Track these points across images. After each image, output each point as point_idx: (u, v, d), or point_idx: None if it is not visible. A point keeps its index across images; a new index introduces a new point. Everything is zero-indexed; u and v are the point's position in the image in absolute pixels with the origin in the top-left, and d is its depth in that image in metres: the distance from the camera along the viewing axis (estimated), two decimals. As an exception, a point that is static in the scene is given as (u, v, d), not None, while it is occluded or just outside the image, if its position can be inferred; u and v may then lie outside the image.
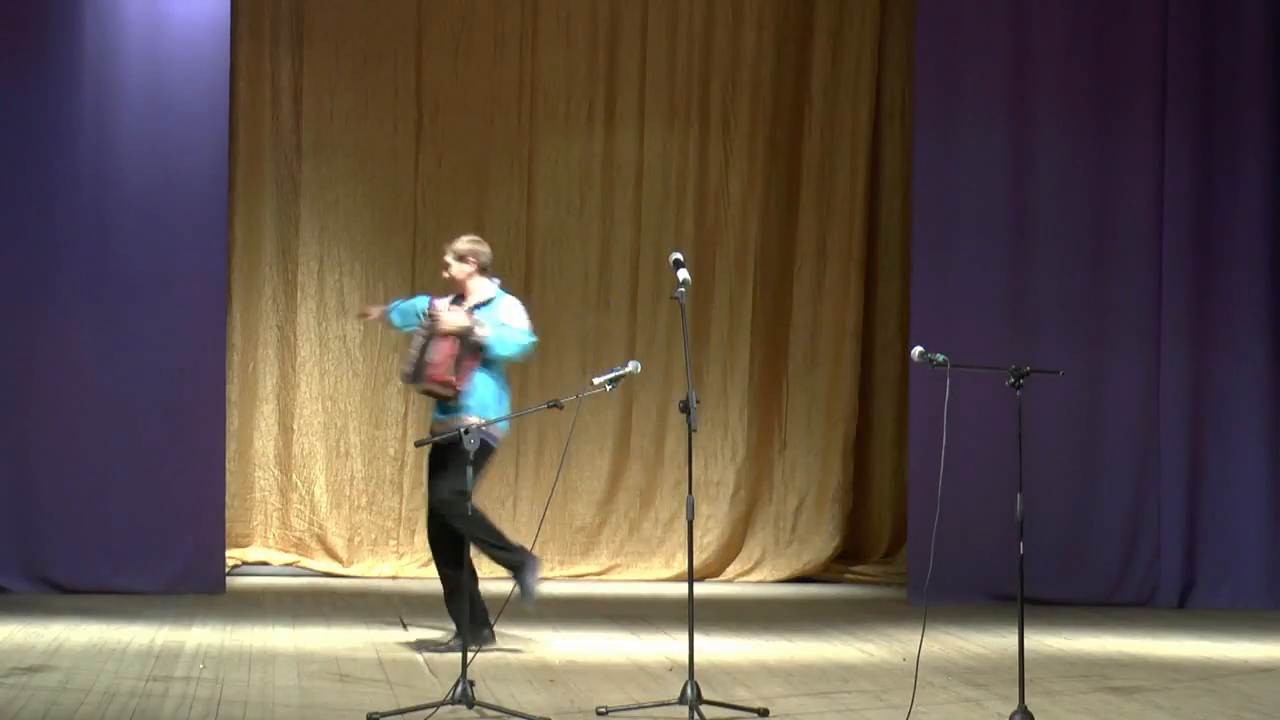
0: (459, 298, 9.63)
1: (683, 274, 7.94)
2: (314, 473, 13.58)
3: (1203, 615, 12.01)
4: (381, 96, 13.70)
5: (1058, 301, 12.48)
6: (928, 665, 8.87)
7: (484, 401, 9.37)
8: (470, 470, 7.91)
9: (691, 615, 7.65)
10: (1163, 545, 12.45)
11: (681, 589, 8.45)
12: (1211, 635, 10.89)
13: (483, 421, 9.07)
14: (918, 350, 7.90)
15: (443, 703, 7.49)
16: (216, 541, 12.14)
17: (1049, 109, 12.51)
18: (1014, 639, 7.58)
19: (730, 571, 13.96)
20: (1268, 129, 12.56)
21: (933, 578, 10.03)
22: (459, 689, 7.51)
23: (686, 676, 7.59)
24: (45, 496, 11.76)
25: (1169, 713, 8.00)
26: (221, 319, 12.23)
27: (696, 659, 7.70)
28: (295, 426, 13.58)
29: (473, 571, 9.26)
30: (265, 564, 13.48)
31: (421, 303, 9.76)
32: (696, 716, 7.40)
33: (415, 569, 13.54)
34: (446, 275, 9.66)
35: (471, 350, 9.39)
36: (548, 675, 8.68)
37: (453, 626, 9.63)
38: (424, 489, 13.60)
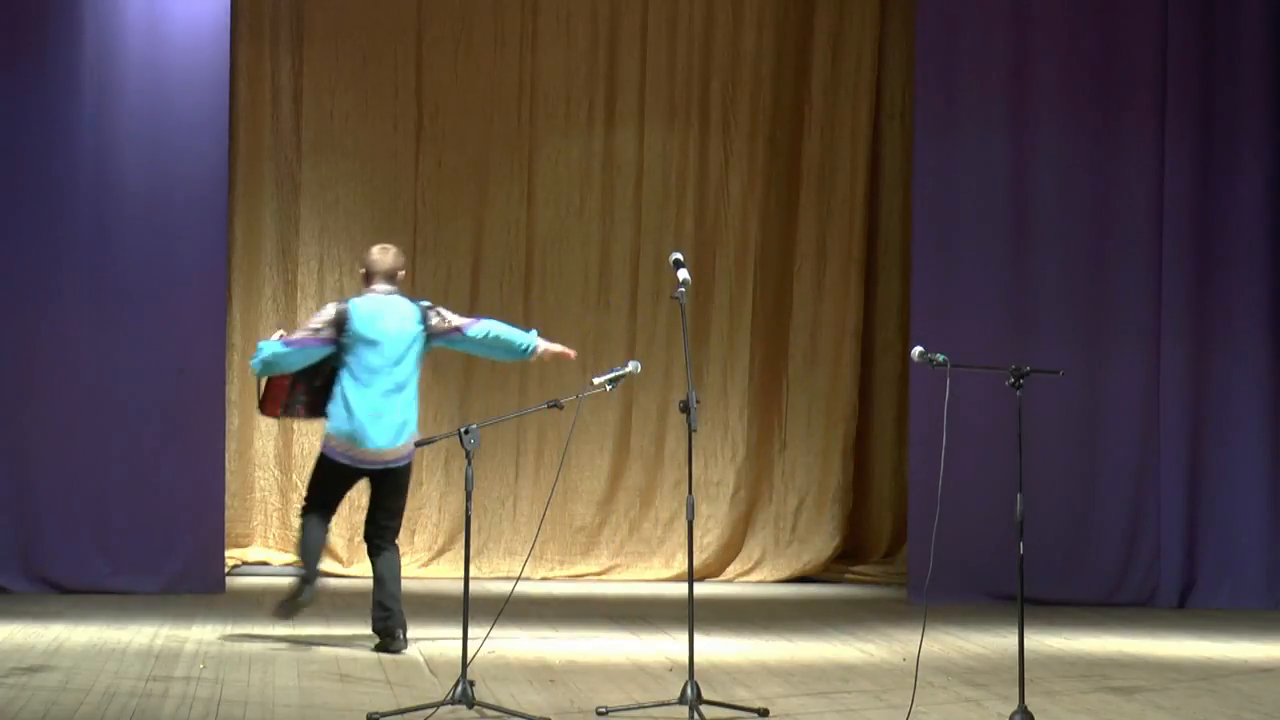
0: None
1: (683, 274, 7.94)
2: (314, 473, 13.57)
3: (1203, 615, 12.01)
4: (381, 96, 13.70)
5: (1058, 301, 12.48)
6: (928, 665, 8.87)
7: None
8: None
9: (691, 615, 7.65)
10: (1163, 545, 12.45)
11: (681, 589, 8.45)
12: (1211, 635, 10.89)
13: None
14: (918, 350, 7.90)
15: (442, 703, 7.49)
16: (216, 541, 12.15)
17: (1049, 109, 12.51)
18: (1014, 639, 7.58)
19: (730, 571, 13.96)
20: (1268, 129, 12.56)
21: (933, 578, 10.03)
22: (459, 689, 7.51)
23: (686, 676, 7.59)
24: (45, 496, 11.76)
25: (1169, 713, 8.00)
26: (221, 319, 12.22)
27: (696, 659, 7.70)
28: (295, 426, 13.57)
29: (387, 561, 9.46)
30: (265, 564, 13.48)
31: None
32: (696, 716, 7.40)
33: (415, 569, 13.53)
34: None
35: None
36: (548, 675, 8.68)
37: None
38: (424, 489, 13.72)
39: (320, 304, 13.63)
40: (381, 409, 9.29)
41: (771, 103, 14.12)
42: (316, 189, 13.65)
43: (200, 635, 9.86)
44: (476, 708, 7.50)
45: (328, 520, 9.68)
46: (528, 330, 9.78)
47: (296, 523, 9.59)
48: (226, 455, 12.72)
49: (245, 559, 13.42)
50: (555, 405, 8.15)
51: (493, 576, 13.56)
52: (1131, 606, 12.28)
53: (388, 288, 9.48)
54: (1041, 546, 11.40)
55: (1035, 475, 11.17)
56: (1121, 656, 9.90)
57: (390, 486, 9.49)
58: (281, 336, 9.52)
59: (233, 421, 13.23)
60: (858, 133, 14.15)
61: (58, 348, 11.80)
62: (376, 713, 7.36)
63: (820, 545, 14.05)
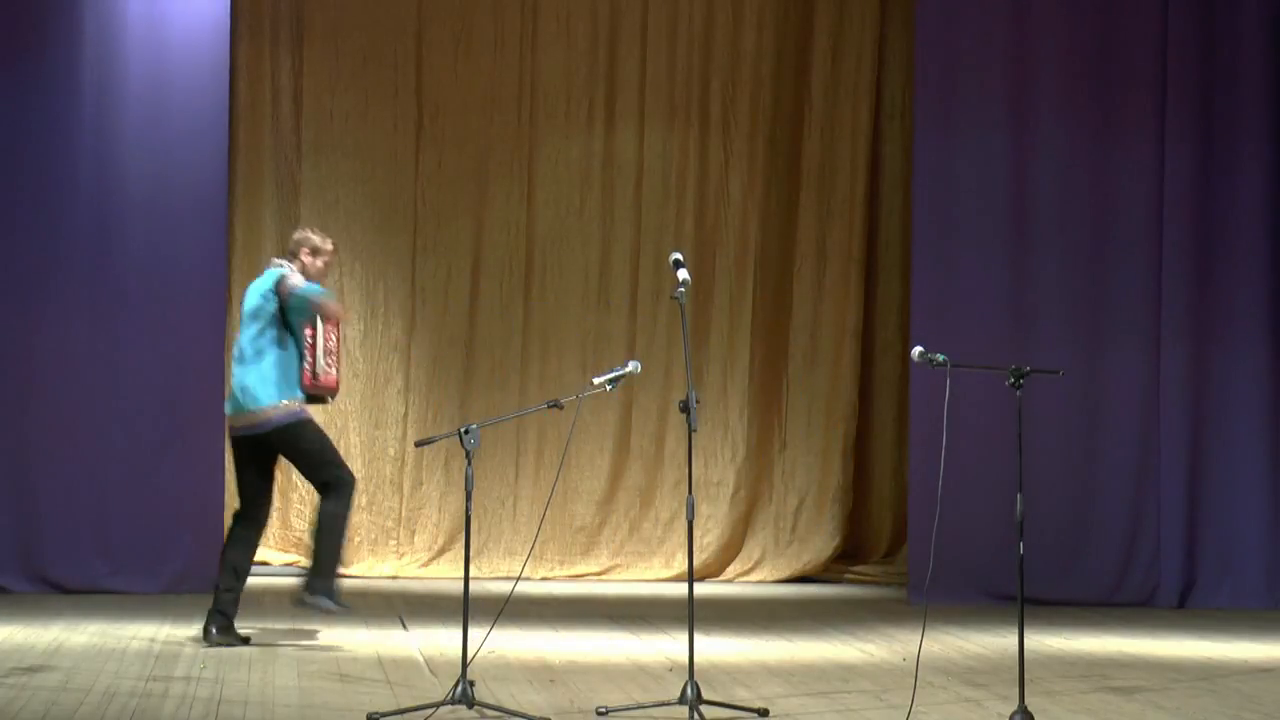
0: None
1: (682, 274, 7.94)
2: (314, 473, 13.57)
3: (1203, 615, 12.01)
4: (381, 96, 13.71)
5: (1058, 301, 12.48)
6: (928, 665, 8.87)
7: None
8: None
9: (691, 615, 7.64)
10: (1163, 545, 12.45)
11: (681, 589, 8.45)
12: (1211, 635, 10.89)
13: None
14: (918, 350, 7.89)
15: (442, 703, 7.49)
16: (216, 541, 12.10)
17: (1049, 109, 12.51)
18: (1014, 639, 7.58)
19: (730, 571, 13.97)
20: (1267, 129, 12.56)
21: (933, 578, 10.04)
22: (459, 689, 7.51)
23: (686, 676, 7.59)
24: (45, 497, 11.76)
25: (1169, 713, 8.00)
26: (221, 319, 12.22)
27: (696, 659, 7.70)
28: (295, 426, 13.57)
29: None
30: (265, 564, 13.46)
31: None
32: (696, 716, 7.40)
33: (415, 569, 13.55)
34: (320, 276, 9.62)
35: None
36: (548, 675, 8.68)
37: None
38: (423, 489, 13.71)
39: (320, 304, 13.66)
40: (233, 377, 9.48)
41: (771, 103, 14.13)
42: (316, 189, 13.66)
43: (200, 635, 9.85)
44: (476, 708, 7.50)
45: (242, 521, 9.61)
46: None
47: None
48: (226, 455, 12.72)
49: (245, 559, 13.41)
50: (555, 405, 8.14)
51: (493, 576, 13.57)
52: (1131, 606, 12.28)
53: (278, 263, 9.60)
54: (1041, 546, 11.40)
55: (1035, 475, 11.17)
56: (1121, 656, 9.90)
57: (277, 455, 9.54)
58: None
59: (233, 421, 13.23)
60: (858, 133, 14.15)
61: (58, 348, 11.80)
62: (376, 712, 7.36)
63: (820, 545, 14.05)
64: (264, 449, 9.49)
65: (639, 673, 8.82)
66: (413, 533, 13.67)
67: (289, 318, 9.42)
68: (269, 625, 10.38)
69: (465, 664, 7.58)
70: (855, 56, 14.16)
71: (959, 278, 12.45)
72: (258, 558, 13.44)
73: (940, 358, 7.78)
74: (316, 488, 9.58)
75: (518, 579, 11.91)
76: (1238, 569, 12.50)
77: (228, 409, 9.56)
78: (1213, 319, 12.55)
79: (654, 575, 13.82)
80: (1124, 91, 12.54)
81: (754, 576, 13.95)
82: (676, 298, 7.85)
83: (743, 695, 8.12)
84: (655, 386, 13.87)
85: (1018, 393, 7.62)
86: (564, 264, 13.94)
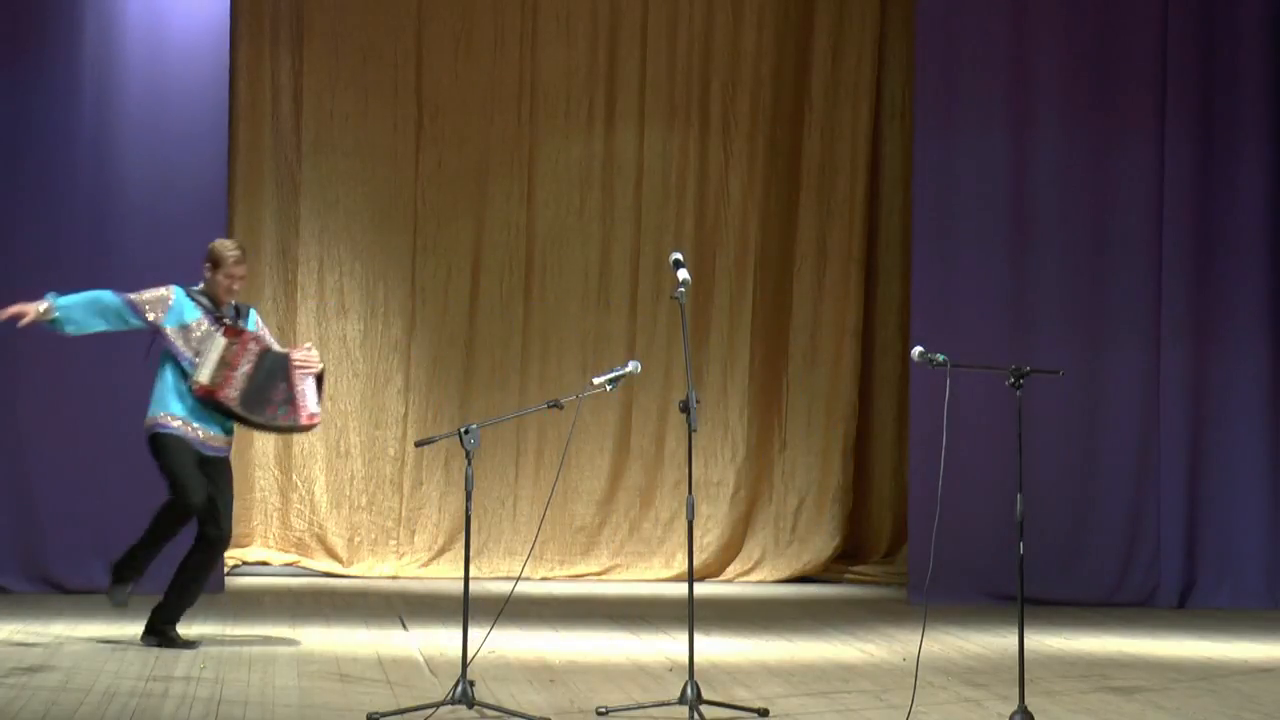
0: (214, 300, 9.32)
1: (682, 274, 7.93)
2: (314, 473, 13.59)
3: (1203, 615, 12.01)
4: (381, 96, 13.71)
5: (1058, 301, 12.48)
6: (928, 665, 8.87)
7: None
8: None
9: (691, 615, 7.64)
10: (1163, 545, 12.45)
11: (681, 589, 8.45)
12: (1211, 635, 10.89)
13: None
14: (918, 350, 7.89)
15: (442, 703, 7.48)
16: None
17: (1049, 108, 12.51)
18: (1014, 639, 7.58)
19: (730, 571, 13.96)
20: (1268, 128, 12.56)
21: (933, 578, 10.03)
22: (459, 689, 7.51)
23: (686, 676, 7.59)
24: (45, 497, 11.75)
25: (1169, 713, 8.00)
26: (221, 319, 12.21)
27: (696, 659, 7.70)
28: (295, 426, 13.57)
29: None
30: (265, 564, 13.48)
31: (125, 315, 9.27)
32: (696, 716, 7.40)
33: (415, 569, 13.55)
34: (239, 286, 9.36)
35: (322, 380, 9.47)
36: (548, 675, 8.68)
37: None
38: (423, 489, 13.71)
39: (320, 304, 13.67)
40: None
41: (772, 103, 14.13)
42: (316, 189, 13.65)
43: (200, 635, 9.86)
44: (476, 708, 7.50)
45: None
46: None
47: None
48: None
49: (245, 559, 13.42)
50: (555, 405, 8.14)
51: (493, 576, 13.57)
52: (1131, 606, 12.28)
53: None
54: (1041, 546, 11.40)
55: (1035, 475, 11.17)
56: (1121, 656, 9.90)
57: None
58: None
59: (232, 421, 13.23)
60: (858, 132, 14.15)
61: (58, 347, 11.77)
62: (376, 713, 7.36)
63: (820, 545, 14.05)
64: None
65: (639, 673, 8.82)
66: (413, 533, 13.67)
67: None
68: (269, 626, 10.38)
69: (465, 664, 7.58)
70: (855, 56, 14.16)
71: (959, 277, 12.45)
72: (257, 558, 13.54)
73: (940, 358, 7.78)
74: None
75: (518, 579, 11.91)
76: (1238, 569, 12.50)
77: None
78: (1213, 319, 12.55)
79: (654, 575, 13.81)
80: (1124, 92, 12.54)
81: (754, 576, 13.95)
82: (676, 298, 7.85)
83: (743, 695, 8.12)
84: (655, 386, 13.87)
85: (1018, 393, 7.62)
86: (564, 264, 13.94)
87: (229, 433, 9.39)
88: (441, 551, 13.68)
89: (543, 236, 13.92)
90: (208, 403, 9.19)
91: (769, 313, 14.15)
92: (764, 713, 7.62)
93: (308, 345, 9.62)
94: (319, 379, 9.38)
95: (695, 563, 10.42)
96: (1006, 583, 11.53)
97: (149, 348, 9.32)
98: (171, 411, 9.23)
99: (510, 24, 13.86)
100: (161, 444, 9.25)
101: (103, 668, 8.59)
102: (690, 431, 7.65)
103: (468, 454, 7.65)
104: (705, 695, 7.66)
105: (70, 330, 9.32)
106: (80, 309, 9.30)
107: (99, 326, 9.32)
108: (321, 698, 7.87)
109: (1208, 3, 12.54)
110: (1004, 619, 10.93)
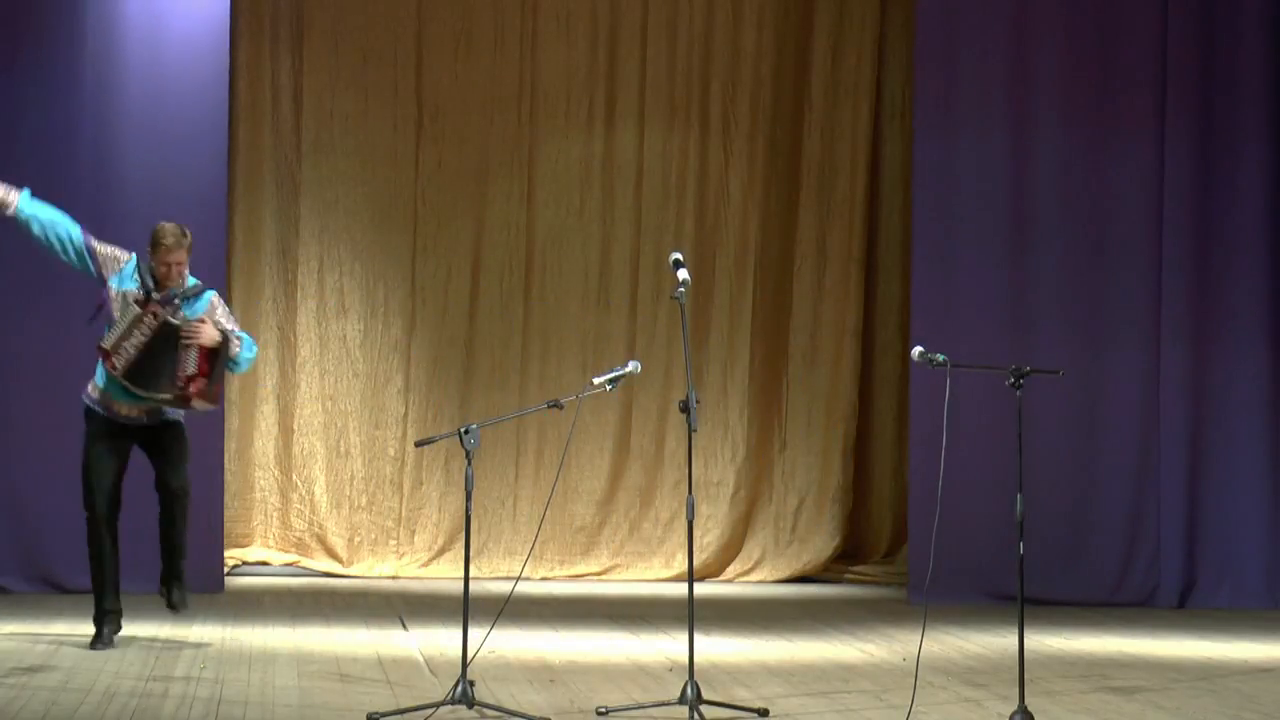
0: (156, 281, 9.18)
1: (682, 274, 7.93)
2: (314, 473, 13.59)
3: (1203, 615, 12.01)
4: (381, 96, 13.71)
5: (1058, 301, 12.48)
6: (928, 665, 8.87)
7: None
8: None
9: (691, 615, 7.64)
10: (1163, 545, 12.45)
11: (681, 589, 8.45)
12: (1212, 635, 10.89)
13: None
14: (918, 350, 7.89)
15: (442, 703, 7.48)
16: (215, 541, 12.14)
17: (1049, 108, 12.51)
18: (1014, 639, 7.58)
19: (730, 571, 13.96)
20: (1267, 129, 12.56)
21: (933, 578, 10.03)
22: (459, 689, 7.51)
23: (686, 676, 7.59)
24: (45, 497, 11.74)
25: (1169, 713, 8.00)
26: (221, 318, 12.20)
27: (696, 659, 7.70)
28: (295, 426, 13.59)
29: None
30: (265, 564, 13.48)
31: (112, 272, 9.19)
32: (696, 716, 7.40)
33: (415, 569, 13.55)
34: (176, 273, 9.16)
35: (224, 361, 9.16)
36: (548, 675, 8.68)
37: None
38: (423, 489, 13.71)
39: (320, 304, 13.66)
40: None
41: (771, 102, 14.12)
42: (316, 189, 13.65)
43: (200, 635, 9.86)
44: (476, 708, 7.50)
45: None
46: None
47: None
48: (226, 455, 12.74)
49: (245, 559, 13.42)
50: (555, 405, 8.14)
51: (493, 576, 13.56)
52: (1131, 606, 12.28)
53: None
54: (1041, 546, 11.40)
55: (1035, 475, 11.18)
56: (1121, 656, 9.90)
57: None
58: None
59: (232, 422, 13.24)
60: (858, 132, 14.15)
61: (57, 347, 11.78)
62: (376, 713, 7.36)
63: (820, 545, 14.05)
64: None
65: (639, 673, 8.82)
66: (413, 533, 13.67)
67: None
68: (269, 625, 10.38)
69: (465, 664, 7.58)
70: (855, 56, 14.15)
71: (959, 277, 12.45)
72: (258, 558, 13.54)
73: (940, 358, 7.78)
74: None
75: (518, 579, 11.91)
76: (1238, 569, 12.50)
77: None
78: (1213, 319, 12.55)
79: (654, 575, 13.81)
80: (1124, 92, 12.54)
81: (754, 576, 13.94)
82: (676, 298, 7.85)
83: (743, 695, 8.12)
84: (655, 386, 13.87)
85: (1018, 393, 7.62)
86: (564, 264, 13.94)
87: (141, 402, 9.16)
88: (441, 551, 13.68)
89: (543, 236, 13.92)
90: (111, 372, 9.11)
91: (769, 313, 14.15)
92: (764, 713, 7.62)
93: (218, 319, 9.24)
94: (214, 352, 9.07)
95: (695, 563, 10.41)
96: (1006, 583, 11.52)
97: (95, 313, 9.27)
98: (96, 382, 9.24)
99: (510, 24, 13.86)
100: (85, 417, 9.26)
101: (103, 668, 8.58)
102: (690, 431, 7.65)
103: (468, 454, 7.65)
104: (705, 695, 7.66)
105: (34, 230, 9.13)
106: (48, 220, 9.15)
107: (53, 249, 9.18)
108: (321, 698, 7.87)
109: (1208, 3, 12.54)
110: (1004, 619, 10.93)
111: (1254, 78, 12.56)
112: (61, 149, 11.77)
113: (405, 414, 13.69)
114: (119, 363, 9.06)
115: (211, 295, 9.35)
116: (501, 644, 9.41)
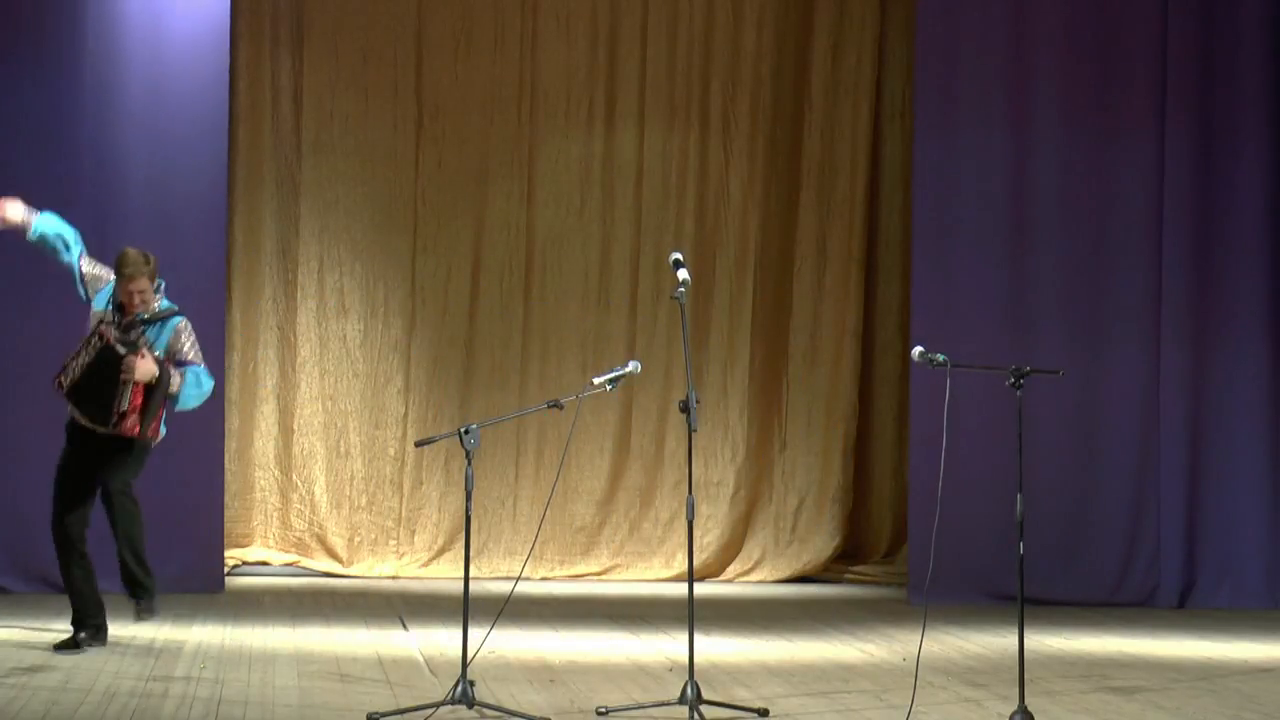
0: (119, 306, 9.13)
1: (682, 274, 7.93)
2: (314, 473, 13.59)
3: (1203, 615, 12.01)
4: (381, 96, 13.70)
5: (1058, 301, 12.48)
6: (928, 665, 8.87)
7: None
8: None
9: (691, 615, 7.64)
10: (1163, 545, 12.45)
11: (681, 589, 8.45)
12: (1212, 635, 10.89)
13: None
14: (918, 350, 7.89)
15: (443, 703, 7.48)
16: (216, 541, 12.14)
17: (1049, 108, 12.51)
18: (1014, 639, 7.58)
19: (730, 571, 13.96)
20: (1268, 128, 12.56)
21: (933, 578, 10.03)
22: (459, 689, 7.51)
23: (686, 676, 7.59)
24: (45, 497, 11.71)
25: (1169, 713, 8.00)
26: (221, 319, 12.21)
27: (696, 659, 7.70)
28: (295, 426, 13.58)
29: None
30: (265, 564, 13.48)
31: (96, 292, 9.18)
32: (696, 716, 7.40)
33: (415, 569, 13.55)
34: (138, 300, 9.08)
35: (161, 397, 9.06)
36: (548, 675, 8.68)
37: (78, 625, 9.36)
38: (424, 489, 13.70)
39: (320, 304, 13.65)
40: None
41: (772, 102, 14.12)
42: (316, 189, 13.65)
43: (200, 635, 9.86)
44: (476, 708, 7.50)
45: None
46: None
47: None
48: (226, 455, 12.73)
49: (245, 559, 13.42)
50: (555, 405, 8.14)
51: (493, 576, 13.56)
52: (1131, 606, 12.28)
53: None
54: (1042, 546, 11.41)
55: (1035, 475, 11.18)
56: (1121, 656, 9.90)
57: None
58: None
59: (232, 421, 13.24)
60: (858, 132, 14.15)
61: (57, 347, 11.76)
62: (376, 713, 7.36)
63: (820, 545, 14.05)
64: None
65: (639, 673, 8.82)
66: (413, 533, 13.66)
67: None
68: (269, 625, 10.38)
69: (465, 664, 7.58)
70: (855, 56, 14.15)
71: (959, 277, 12.45)
72: (258, 558, 13.54)
73: (940, 358, 7.78)
74: None
75: (518, 579, 11.91)
76: (1238, 569, 12.50)
77: None
78: (1213, 319, 12.55)
79: (654, 575, 13.81)
80: (1124, 91, 12.54)
81: (754, 576, 13.94)
82: (676, 298, 7.85)
83: (743, 695, 8.12)
84: (655, 386, 13.87)
85: (1018, 393, 7.62)
86: (564, 264, 13.94)
87: (95, 418, 9.08)
88: (441, 551, 13.68)
89: (543, 236, 13.91)
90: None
91: (769, 312, 14.15)
92: (764, 713, 7.62)
93: (182, 358, 9.17)
94: (150, 387, 8.99)
95: (695, 563, 10.40)
96: (1006, 583, 11.53)
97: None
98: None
99: (510, 24, 13.86)
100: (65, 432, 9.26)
101: (103, 668, 8.59)
102: (690, 431, 7.65)
103: (468, 454, 7.65)
104: (705, 695, 7.66)
105: (45, 246, 9.21)
106: (52, 233, 9.19)
107: (54, 258, 9.24)
108: (321, 698, 7.87)
109: (1208, 2, 12.54)
110: (1004, 619, 10.93)
111: (1254, 77, 12.55)
112: (62, 150, 11.77)
113: (405, 414, 13.69)
114: (65, 380, 9.04)
115: (178, 322, 9.21)
116: (501, 644, 9.41)
